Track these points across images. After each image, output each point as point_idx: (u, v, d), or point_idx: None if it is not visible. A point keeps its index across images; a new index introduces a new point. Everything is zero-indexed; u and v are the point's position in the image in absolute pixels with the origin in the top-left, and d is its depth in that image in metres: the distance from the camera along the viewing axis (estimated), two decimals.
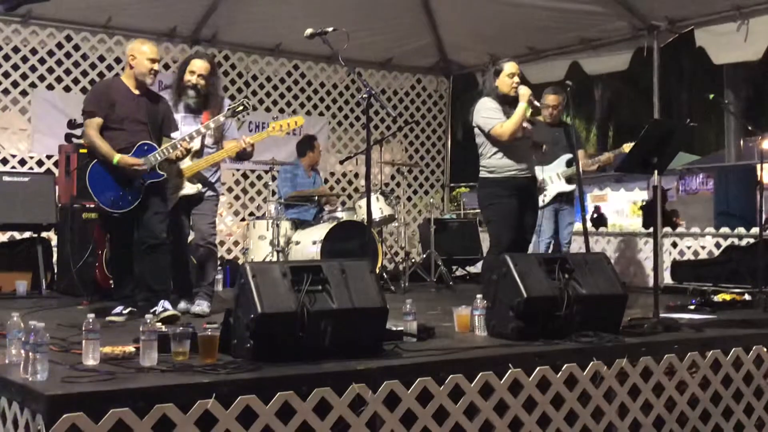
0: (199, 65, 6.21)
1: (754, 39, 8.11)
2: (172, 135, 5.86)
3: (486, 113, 6.13)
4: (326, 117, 10.51)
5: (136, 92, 5.73)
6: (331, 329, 3.91)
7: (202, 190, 6.21)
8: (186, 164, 6.10)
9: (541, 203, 7.15)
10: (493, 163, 6.15)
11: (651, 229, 7.92)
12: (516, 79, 6.18)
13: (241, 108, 5.93)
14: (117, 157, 5.50)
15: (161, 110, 5.87)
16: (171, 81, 9.25)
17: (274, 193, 8.27)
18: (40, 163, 8.76)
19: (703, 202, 18.53)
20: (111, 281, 6.42)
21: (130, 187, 5.56)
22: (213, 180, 6.35)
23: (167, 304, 5.53)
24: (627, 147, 7.06)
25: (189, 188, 6.16)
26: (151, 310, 5.32)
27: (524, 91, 6.11)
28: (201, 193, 6.22)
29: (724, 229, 8.90)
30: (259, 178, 10.02)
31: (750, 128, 6.97)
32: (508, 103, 6.15)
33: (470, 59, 10.86)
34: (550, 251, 7.49)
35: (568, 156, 7.43)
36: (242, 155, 6.39)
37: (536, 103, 6.29)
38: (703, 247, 8.88)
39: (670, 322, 5.11)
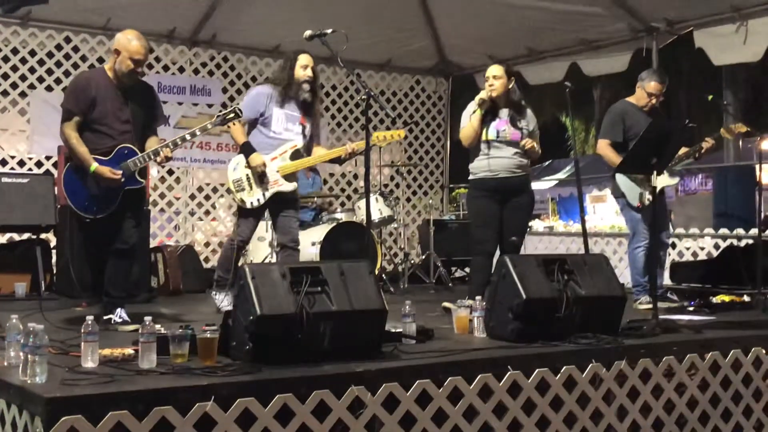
0: (308, 60, 6.32)
1: (754, 40, 8.11)
2: (158, 130, 5.70)
3: (462, 118, 6.24)
4: (325, 118, 10.49)
5: (121, 87, 5.37)
6: (330, 331, 3.91)
7: (296, 188, 6.40)
8: (285, 162, 6.28)
9: (647, 202, 6.59)
10: (474, 164, 6.25)
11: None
12: (489, 82, 6.17)
13: (232, 115, 5.73)
14: (94, 166, 5.20)
15: (147, 105, 5.55)
16: (172, 83, 9.39)
17: None
18: (39, 164, 8.78)
19: (702, 202, 18.50)
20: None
21: (105, 194, 5.28)
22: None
23: (124, 314, 5.34)
24: (734, 128, 6.86)
25: (286, 186, 6.32)
26: (106, 317, 5.25)
27: (478, 95, 6.14)
28: (294, 193, 6.40)
29: (723, 230, 8.90)
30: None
31: (749, 129, 6.94)
32: (493, 105, 6.19)
33: (469, 60, 10.86)
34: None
35: None
36: (335, 159, 6.53)
37: (477, 105, 6.15)
38: (702, 248, 8.89)
39: (669, 323, 5.12)
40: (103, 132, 5.33)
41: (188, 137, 5.56)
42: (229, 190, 6.51)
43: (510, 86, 6.23)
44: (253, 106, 6.31)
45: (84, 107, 5.29)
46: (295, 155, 6.36)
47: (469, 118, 6.17)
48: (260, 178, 6.26)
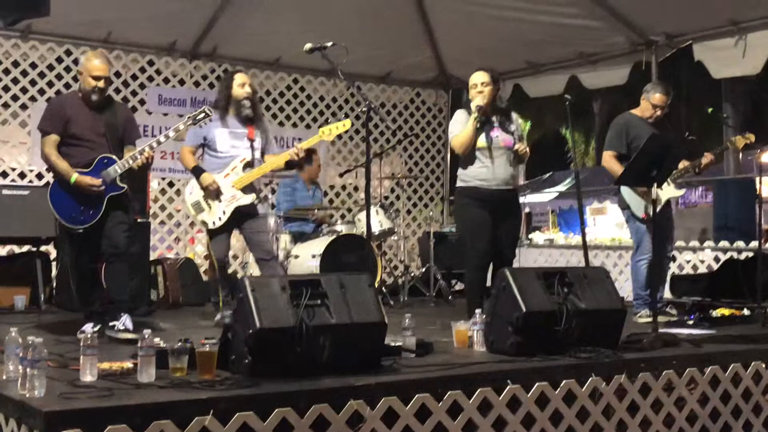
0: (244, 78, 6.50)
1: (753, 53, 8.13)
2: (136, 142, 5.87)
3: (450, 125, 6.16)
4: None
5: (92, 105, 5.67)
6: (329, 344, 3.91)
7: (255, 201, 6.41)
8: (238, 176, 6.33)
9: (650, 213, 6.18)
10: (463, 172, 6.10)
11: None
12: (478, 88, 6.07)
13: (202, 115, 5.93)
14: (74, 177, 5.48)
15: (121, 119, 5.83)
16: (172, 95, 9.42)
17: (273, 207, 8.28)
18: (39, 176, 8.78)
19: (702, 215, 18.52)
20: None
21: (90, 203, 5.54)
22: (262, 195, 6.63)
23: (129, 322, 5.48)
24: (739, 140, 6.76)
25: (244, 198, 6.36)
26: (111, 323, 5.40)
27: (474, 102, 6.01)
28: (255, 205, 6.42)
29: (723, 243, 8.90)
30: (259, 191, 10.01)
31: (751, 143, 6.93)
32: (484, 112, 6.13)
33: (469, 73, 10.73)
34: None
35: None
36: (291, 164, 6.57)
37: (476, 112, 5.99)
38: (702, 261, 8.87)
39: (668, 337, 5.10)
40: (82, 146, 5.61)
41: (162, 140, 5.77)
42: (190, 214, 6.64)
43: (497, 93, 6.19)
44: (196, 132, 6.45)
45: (59, 125, 5.60)
46: (247, 167, 6.41)
47: (462, 125, 6.07)
48: (216, 196, 6.34)
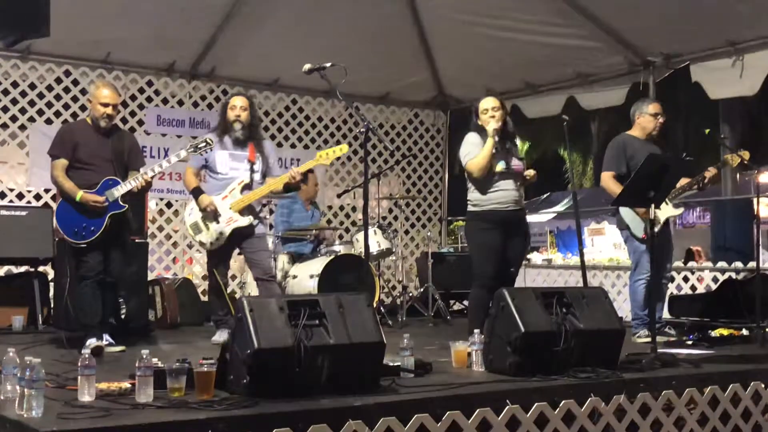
0: (238, 101, 6.68)
1: (750, 74, 8.16)
2: (141, 169, 6.09)
3: (464, 148, 6.14)
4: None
5: (100, 131, 6.06)
6: (327, 364, 3.90)
7: (254, 223, 6.52)
8: (235, 198, 6.46)
9: (648, 233, 6.30)
10: (476, 196, 6.10)
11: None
12: (490, 113, 6.09)
13: (203, 144, 6.16)
14: (80, 194, 5.86)
15: (127, 146, 6.19)
16: (171, 116, 9.46)
17: (271, 227, 8.28)
18: (37, 197, 8.79)
19: (699, 235, 18.53)
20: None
21: (93, 219, 5.89)
22: (261, 215, 6.74)
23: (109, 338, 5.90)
24: (734, 158, 6.75)
25: (241, 220, 6.48)
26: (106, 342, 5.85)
27: (489, 126, 6.02)
28: (252, 227, 6.52)
29: (721, 264, 8.89)
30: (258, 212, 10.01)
31: (746, 162, 6.94)
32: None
33: (467, 94, 10.89)
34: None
35: None
36: (289, 186, 6.69)
37: (495, 135, 6.10)
38: (700, 281, 8.86)
39: (667, 357, 5.09)
40: (89, 169, 6.00)
41: (165, 164, 6.13)
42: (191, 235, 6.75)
43: (506, 119, 6.22)
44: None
45: (68, 150, 6.00)
46: (245, 190, 6.52)
47: (477, 148, 6.07)
48: (214, 218, 6.45)
